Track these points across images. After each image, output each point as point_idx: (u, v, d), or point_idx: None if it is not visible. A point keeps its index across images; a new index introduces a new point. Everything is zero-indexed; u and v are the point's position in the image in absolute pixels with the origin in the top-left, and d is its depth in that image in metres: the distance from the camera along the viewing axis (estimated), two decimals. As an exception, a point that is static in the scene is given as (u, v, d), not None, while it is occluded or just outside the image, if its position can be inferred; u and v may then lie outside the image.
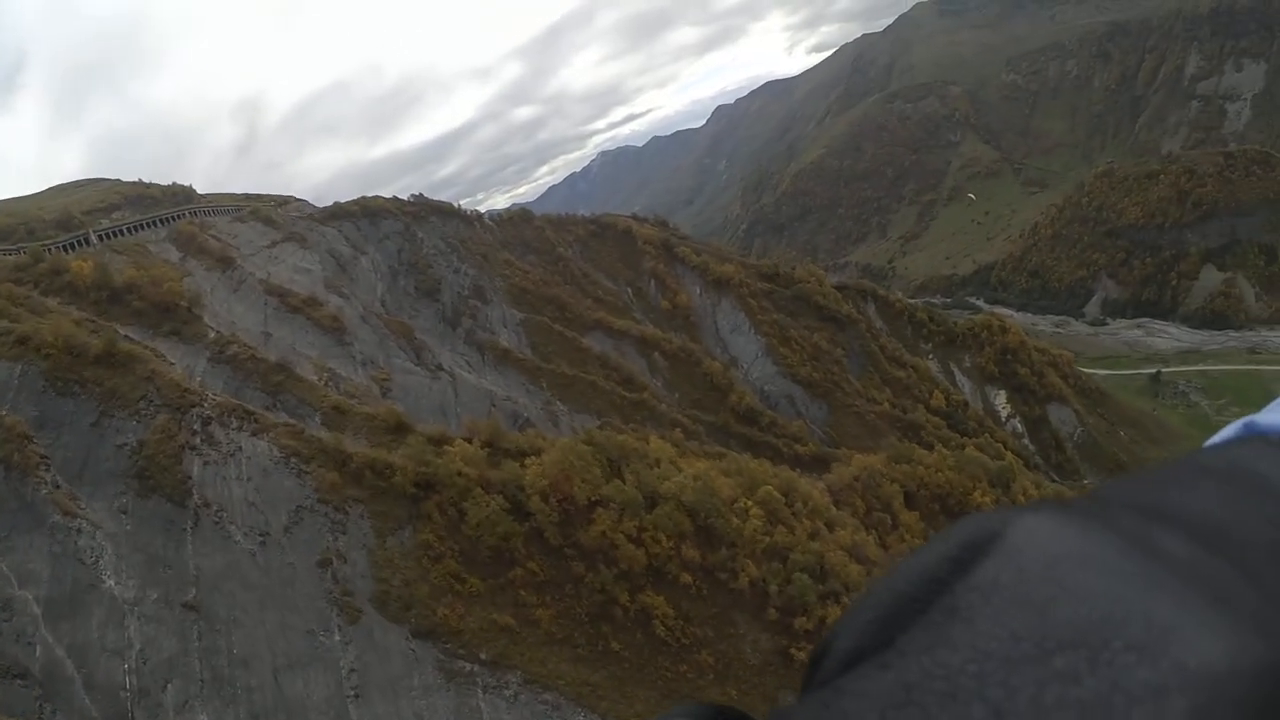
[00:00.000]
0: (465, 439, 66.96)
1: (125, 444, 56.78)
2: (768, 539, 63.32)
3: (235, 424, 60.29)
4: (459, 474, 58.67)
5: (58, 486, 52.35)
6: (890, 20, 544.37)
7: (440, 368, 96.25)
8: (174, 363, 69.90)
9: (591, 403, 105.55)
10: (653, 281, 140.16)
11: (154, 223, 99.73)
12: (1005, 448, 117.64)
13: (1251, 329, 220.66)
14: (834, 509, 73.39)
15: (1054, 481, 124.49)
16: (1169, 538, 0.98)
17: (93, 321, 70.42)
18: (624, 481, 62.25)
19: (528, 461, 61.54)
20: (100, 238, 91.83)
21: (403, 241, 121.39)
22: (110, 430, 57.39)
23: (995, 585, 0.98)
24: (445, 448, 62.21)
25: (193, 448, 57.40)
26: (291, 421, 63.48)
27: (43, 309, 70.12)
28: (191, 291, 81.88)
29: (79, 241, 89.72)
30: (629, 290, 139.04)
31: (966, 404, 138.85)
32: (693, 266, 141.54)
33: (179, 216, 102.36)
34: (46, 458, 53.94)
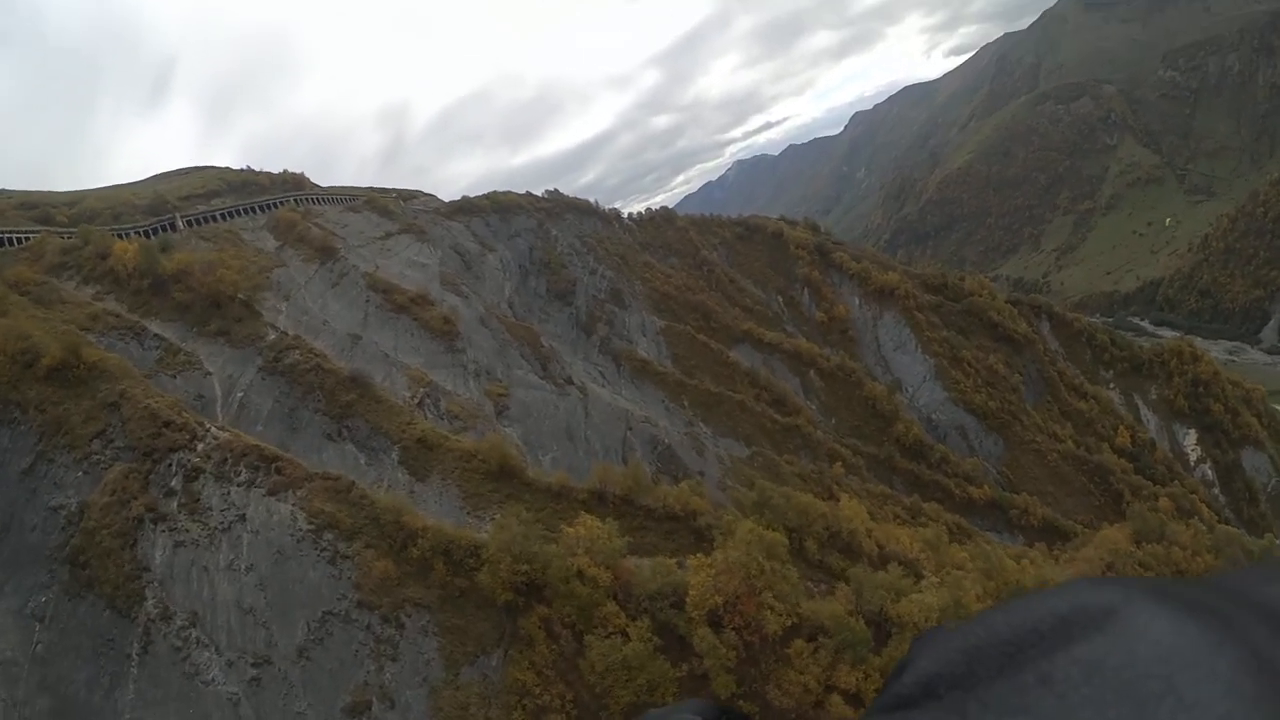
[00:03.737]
0: (594, 491, 49.39)
1: (62, 506, 40.29)
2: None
3: (242, 477, 42.78)
4: (580, 574, 39.46)
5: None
6: (1033, 18, 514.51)
7: (569, 381, 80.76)
8: (210, 371, 54.81)
9: (739, 426, 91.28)
10: (806, 290, 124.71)
11: (253, 209, 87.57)
12: (1198, 499, 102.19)
13: None
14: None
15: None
16: None
17: (116, 316, 56.64)
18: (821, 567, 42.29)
19: (693, 562, 40.57)
20: (189, 222, 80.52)
21: (535, 239, 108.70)
22: (46, 482, 41.06)
23: (1100, 666, 0.91)
24: (564, 529, 42.93)
25: (159, 519, 40.26)
26: (334, 474, 45.13)
27: (54, 299, 56.63)
28: (279, 283, 68.26)
29: (165, 226, 78.62)
30: (779, 299, 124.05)
31: (1154, 444, 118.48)
32: (851, 275, 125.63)
33: (282, 203, 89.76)
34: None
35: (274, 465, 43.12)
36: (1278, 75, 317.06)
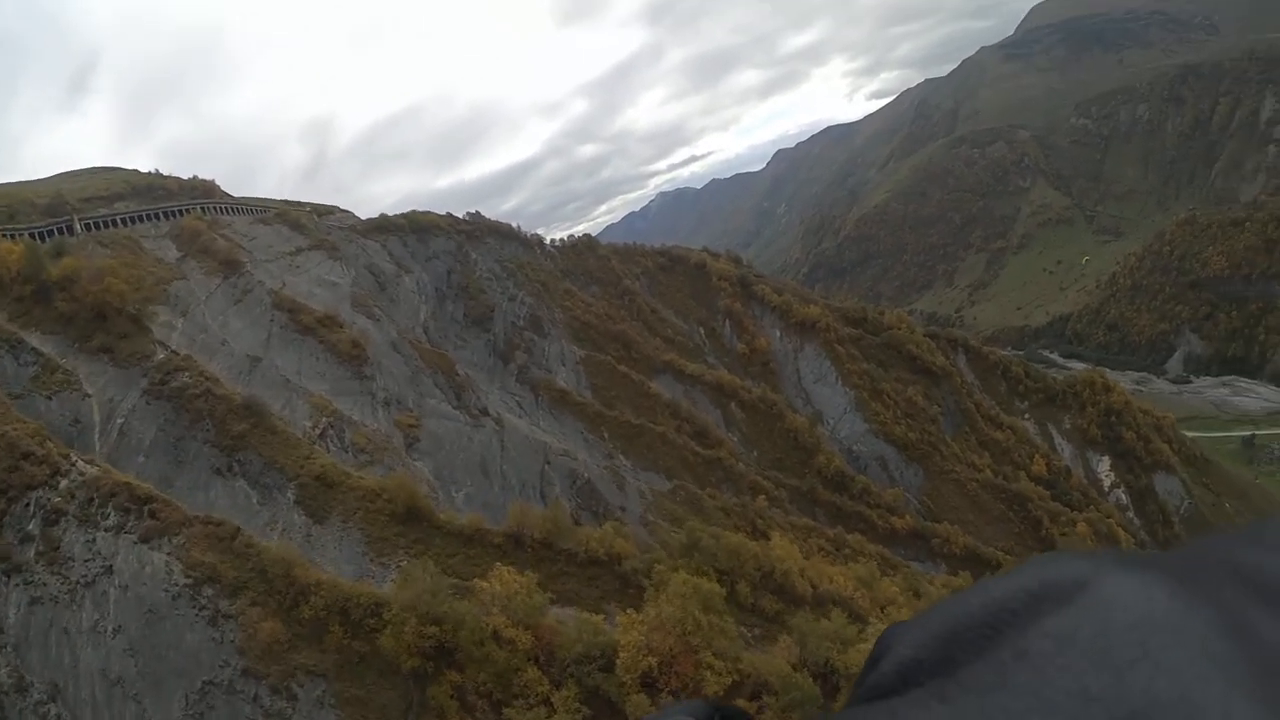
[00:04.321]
0: (511, 535, 45.81)
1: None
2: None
3: (110, 520, 37.99)
4: (496, 636, 35.69)
5: None
6: (954, 66, 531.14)
7: (485, 411, 77.58)
8: (90, 393, 49.54)
9: (661, 459, 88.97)
10: (728, 322, 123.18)
11: (157, 215, 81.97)
12: (1114, 523, 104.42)
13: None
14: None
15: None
16: (1267, 619, 0.91)
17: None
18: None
19: (623, 620, 36.97)
20: (88, 226, 74.87)
21: (454, 262, 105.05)
22: None
23: (1074, 637, 0.92)
24: (477, 583, 39.06)
25: (13, 570, 35.64)
26: (215, 518, 40.49)
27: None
28: (177, 296, 63.78)
29: (62, 229, 73.02)
30: (701, 330, 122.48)
31: (1069, 471, 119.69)
32: (773, 307, 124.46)
33: (189, 210, 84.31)
34: None
35: (147, 507, 38.20)
36: (1185, 124, 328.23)
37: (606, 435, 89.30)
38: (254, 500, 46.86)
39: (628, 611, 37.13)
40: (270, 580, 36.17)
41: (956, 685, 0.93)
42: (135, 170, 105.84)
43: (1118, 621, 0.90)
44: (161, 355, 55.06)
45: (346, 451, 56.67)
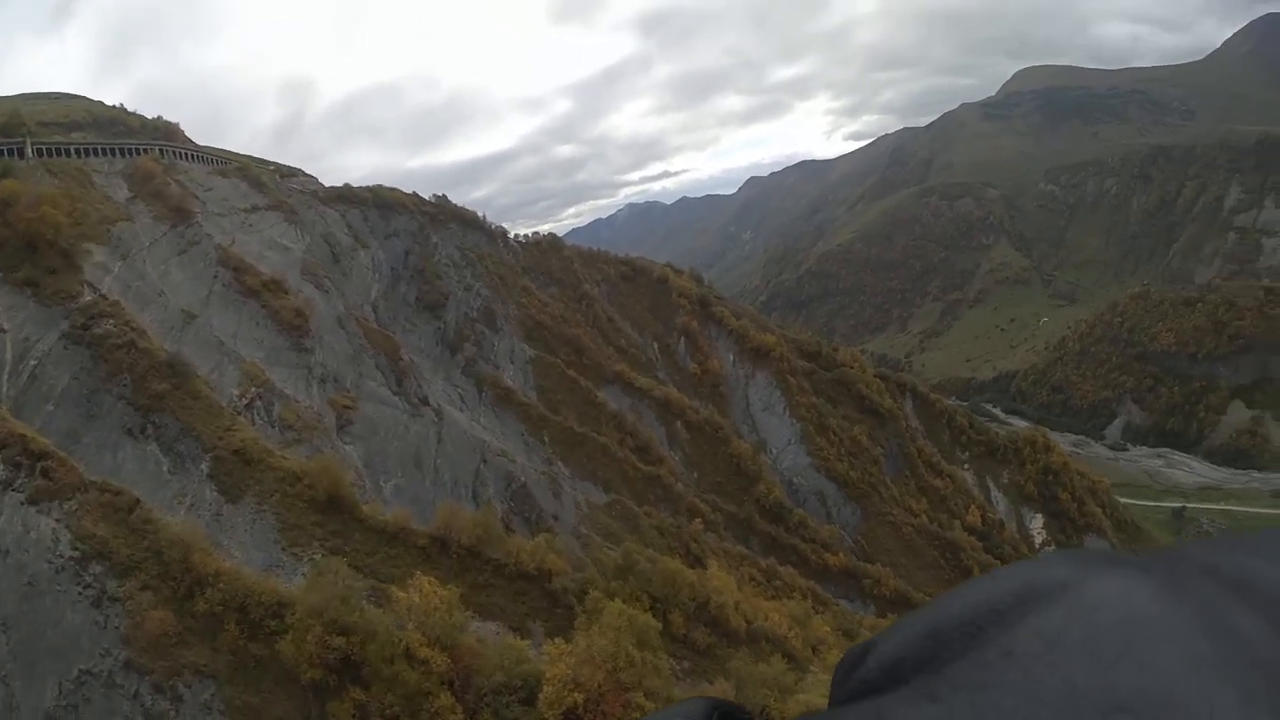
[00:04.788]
0: (437, 537, 42.74)
1: None
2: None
3: None
4: (409, 654, 32.11)
5: None
6: (934, 118, 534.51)
7: (425, 401, 75.01)
8: (6, 329, 45.79)
9: (600, 470, 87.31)
10: (683, 340, 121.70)
11: (113, 151, 77.53)
12: None
13: (1276, 471, 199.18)
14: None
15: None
16: (1247, 617, 0.93)
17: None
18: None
19: (551, 649, 33.45)
20: (39, 151, 70.49)
21: (413, 243, 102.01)
22: None
23: (1060, 635, 0.94)
24: (393, 589, 35.72)
25: None
26: (114, 486, 36.89)
27: None
28: (119, 239, 60.12)
29: (13, 150, 68.59)
30: (655, 345, 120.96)
31: (1002, 524, 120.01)
32: (729, 330, 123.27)
33: (145, 150, 79.91)
34: None
35: (40, 464, 34.62)
36: (1150, 202, 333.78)
37: (547, 440, 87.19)
38: (164, 468, 43.42)
39: (555, 641, 34.04)
40: (166, 564, 32.89)
41: (945, 683, 0.94)
42: (100, 102, 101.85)
43: (1103, 620, 0.91)
44: (89, 297, 50.92)
45: (273, 426, 53.48)
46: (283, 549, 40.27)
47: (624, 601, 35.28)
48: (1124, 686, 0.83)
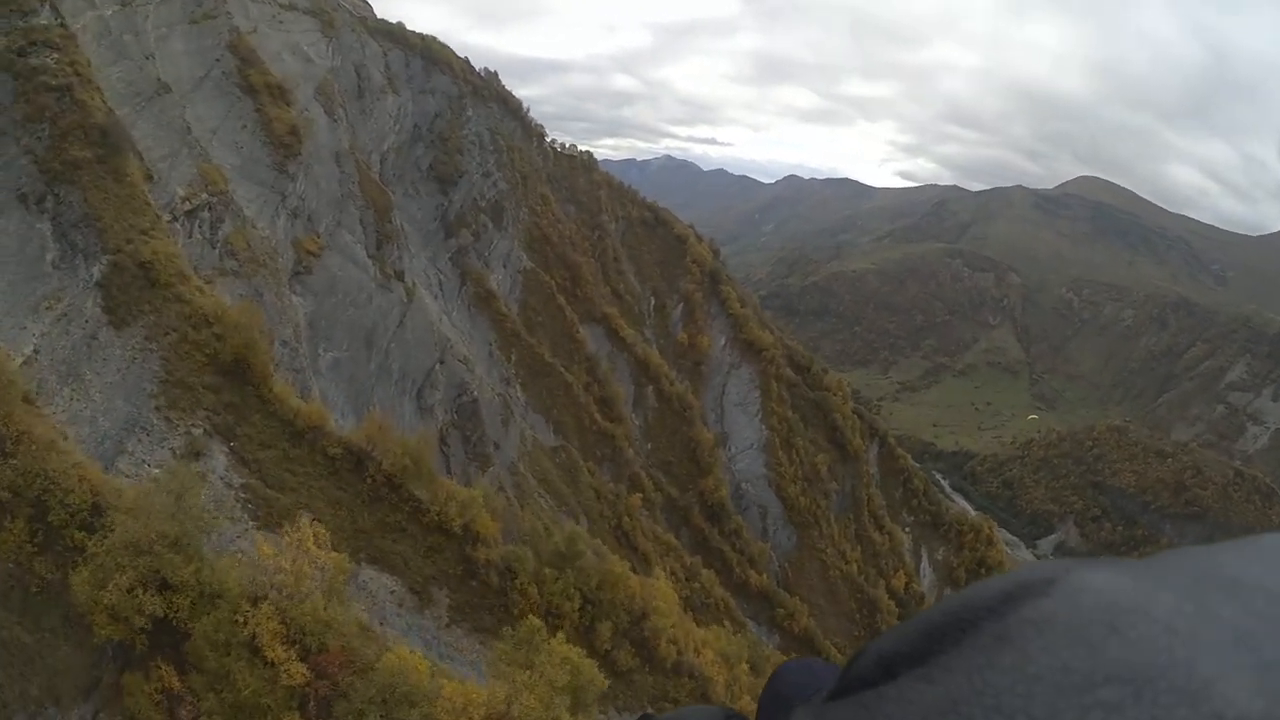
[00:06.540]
0: (355, 450, 34.01)
1: None
2: None
3: None
4: (252, 647, 22.78)
5: None
6: (985, 187, 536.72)
7: (399, 276, 66.88)
8: None
9: (557, 409, 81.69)
10: (682, 306, 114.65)
11: None
12: None
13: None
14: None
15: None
16: (1226, 603, 0.99)
17: None
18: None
19: (455, 693, 23.15)
20: None
21: (446, 107, 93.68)
22: None
23: (1049, 620, 0.99)
24: (258, 541, 26.30)
25: None
26: None
27: None
28: None
29: None
30: (652, 301, 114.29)
31: (924, 598, 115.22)
32: (729, 313, 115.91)
33: None
34: None
35: None
36: (1158, 346, 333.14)
37: (514, 359, 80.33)
38: (49, 256, 34.60)
39: (460, 681, 24.56)
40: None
41: (941, 669, 0.99)
42: None
43: (1089, 604, 0.97)
44: (44, 21, 41.13)
45: (213, 248, 45.05)
46: (154, 408, 31.76)
47: (553, 596, 28.13)
48: (1111, 661, 0.89)
